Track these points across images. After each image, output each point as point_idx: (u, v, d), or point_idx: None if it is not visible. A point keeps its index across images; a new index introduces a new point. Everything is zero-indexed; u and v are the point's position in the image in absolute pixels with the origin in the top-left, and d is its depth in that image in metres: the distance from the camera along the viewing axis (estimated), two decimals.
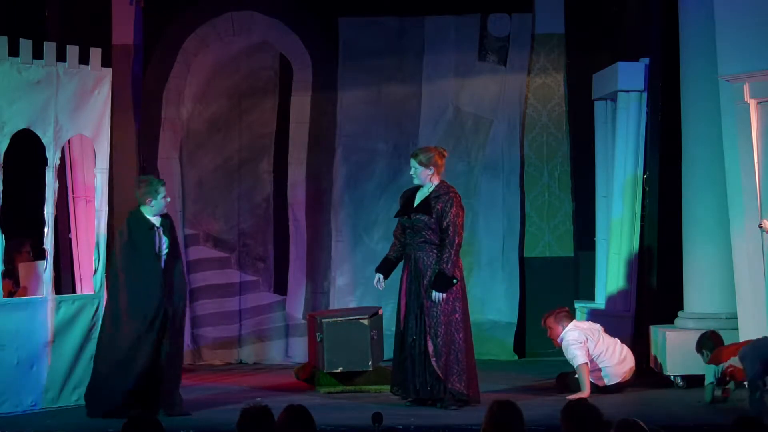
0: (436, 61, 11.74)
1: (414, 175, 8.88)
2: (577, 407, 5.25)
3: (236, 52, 11.76)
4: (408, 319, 8.76)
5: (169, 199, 8.74)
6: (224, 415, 8.36)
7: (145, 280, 8.46)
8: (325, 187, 11.74)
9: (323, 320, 9.59)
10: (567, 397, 8.93)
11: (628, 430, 4.98)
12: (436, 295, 8.62)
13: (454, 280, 8.63)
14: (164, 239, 8.61)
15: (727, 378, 8.81)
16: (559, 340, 9.39)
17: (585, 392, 9.00)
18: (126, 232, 8.62)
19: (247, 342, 11.59)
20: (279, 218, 11.74)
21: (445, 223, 8.68)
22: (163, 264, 8.54)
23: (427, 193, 8.83)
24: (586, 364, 9.19)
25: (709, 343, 8.97)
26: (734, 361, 8.72)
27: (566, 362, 9.43)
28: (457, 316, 8.68)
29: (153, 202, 8.61)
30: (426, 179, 8.84)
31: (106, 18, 11.22)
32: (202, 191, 11.60)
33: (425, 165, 8.81)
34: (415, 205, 8.84)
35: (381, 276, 9.01)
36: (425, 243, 8.74)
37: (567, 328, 9.36)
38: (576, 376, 9.35)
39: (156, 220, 8.64)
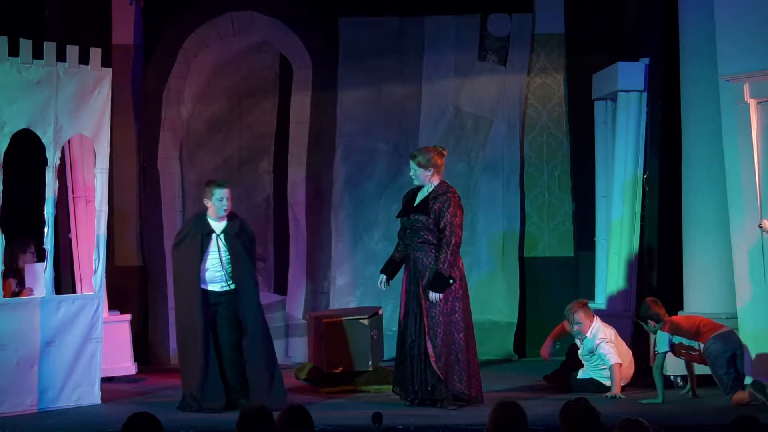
0: (436, 61, 11.74)
1: (414, 177, 8.87)
2: (575, 408, 5.25)
3: (236, 52, 11.76)
4: (407, 319, 8.76)
5: (226, 204, 8.73)
6: (224, 414, 8.37)
7: (182, 284, 8.75)
8: (325, 187, 11.74)
9: (324, 320, 9.59)
10: (606, 395, 8.98)
11: (632, 430, 4.97)
12: (433, 296, 8.61)
13: (451, 281, 8.62)
14: (222, 245, 8.70)
15: (683, 356, 8.95)
16: (589, 335, 9.35)
17: (616, 390, 9.06)
18: (177, 234, 8.94)
19: None
20: (279, 218, 11.74)
21: (442, 224, 8.67)
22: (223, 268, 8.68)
23: (426, 194, 8.83)
24: (620, 363, 9.22)
25: (651, 312, 9.02)
26: (689, 341, 8.90)
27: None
28: (456, 316, 8.67)
29: (208, 203, 8.73)
30: (426, 180, 8.83)
31: (106, 18, 11.23)
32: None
33: (424, 166, 8.80)
34: (415, 205, 8.84)
35: (384, 277, 8.98)
36: (424, 243, 8.73)
37: (596, 325, 9.37)
38: (579, 376, 9.39)
39: (218, 225, 8.69)
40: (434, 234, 8.71)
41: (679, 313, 9.81)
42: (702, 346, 8.84)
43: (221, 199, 8.71)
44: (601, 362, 9.35)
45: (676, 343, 8.94)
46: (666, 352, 8.92)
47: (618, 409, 8.32)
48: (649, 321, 9.03)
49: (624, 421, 5.05)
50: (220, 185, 8.76)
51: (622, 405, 8.73)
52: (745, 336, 9.14)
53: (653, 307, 9.05)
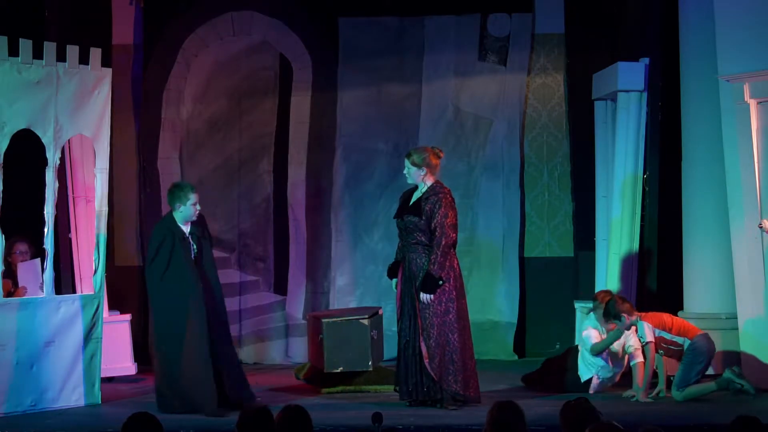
0: (436, 61, 11.74)
1: (407, 175, 8.85)
2: (575, 408, 5.25)
3: (236, 52, 11.77)
4: (402, 320, 8.76)
5: (198, 207, 8.71)
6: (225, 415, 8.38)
7: (174, 290, 8.60)
8: (325, 187, 11.74)
9: (323, 320, 9.59)
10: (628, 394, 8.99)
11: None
12: (424, 297, 8.60)
13: (440, 282, 8.60)
14: (193, 248, 8.70)
15: (662, 350, 8.95)
16: (631, 327, 9.22)
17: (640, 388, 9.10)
18: (154, 241, 8.72)
19: (247, 342, 11.58)
20: (279, 218, 11.74)
21: (433, 224, 8.64)
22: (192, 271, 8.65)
23: (420, 194, 8.81)
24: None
25: (623, 307, 8.99)
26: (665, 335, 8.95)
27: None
28: (450, 317, 8.65)
29: (182, 208, 8.65)
30: (419, 179, 8.80)
31: (106, 18, 11.24)
32: (202, 191, 11.51)
33: (417, 165, 8.77)
34: (410, 205, 8.83)
35: (396, 280, 8.96)
36: (417, 244, 8.72)
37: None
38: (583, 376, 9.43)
39: (186, 228, 8.69)
40: (427, 235, 8.68)
41: (679, 313, 9.83)
42: (688, 341, 8.87)
43: (195, 204, 8.67)
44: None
45: (657, 335, 8.94)
46: (652, 343, 8.89)
47: (618, 410, 8.31)
48: (623, 315, 9.00)
49: (596, 425, 5.00)
50: (194, 189, 8.72)
51: (622, 405, 8.72)
52: (745, 336, 9.16)
53: (621, 303, 9.05)
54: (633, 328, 9.26)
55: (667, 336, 8.94)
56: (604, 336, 9.33)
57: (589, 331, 9.38)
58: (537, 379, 9.67)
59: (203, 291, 8.61)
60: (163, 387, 8.63)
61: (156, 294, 8.68)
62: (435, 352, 8.59)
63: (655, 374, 9.17)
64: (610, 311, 9.06)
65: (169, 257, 8.59)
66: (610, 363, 9.36)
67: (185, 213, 8.65)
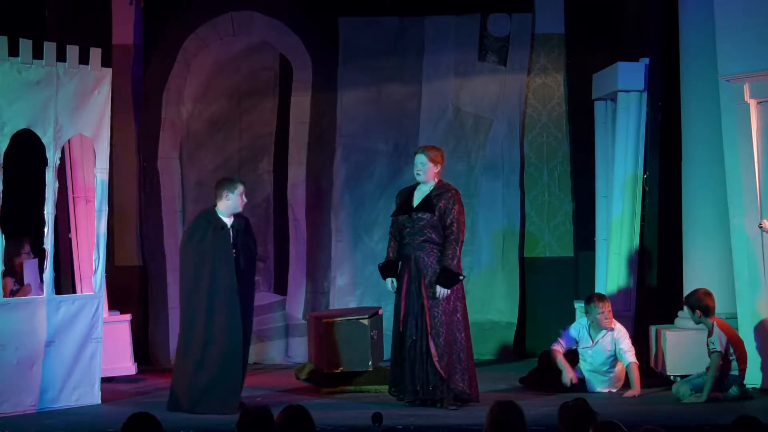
0: (436, 61, 11.74)
1: (420, 172, 8.84)
2: (573, 408, 5.25)
3: (236, 52, 11.76)
4: (408, 320, 8.74)
5: (245, 199, 8.82)
6: (224, 415, 8.37)
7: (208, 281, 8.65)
8: (325, 187, 11.74)
9: (323, 320, 9.59)
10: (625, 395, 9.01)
11: (607, 431, 4.97)
12: (441, 291, 8.60)
13: (460, 276, 8.63)
14: (232, 240, 8.74)
15: (729, 360, 8.86)
16: (613, 326, 9.36)
17: (638, 390, 9.12)
18: (188, 230, 8.89)
19: None
20: (279, 218, 11.74)
21: (448, 221, 8.68)
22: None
23: (428, 192, 8.82)
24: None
25: (703, 304, 8.95)
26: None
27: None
28: (458, 315, 8.68)
29: (230, 196, 8.78)
30: (432, 176, 8.83)
31: (106, 18, 11.24)
32: (202, 191, 11.59)
33: (433, 161, 8.82)
34: (416, 204, 8.82)
35: (393, 280, 8.96)
36: (426, 242, 8.72)
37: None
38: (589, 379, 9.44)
39: (228, 220, 8.73)
40: (438, 232, 8.71)
41: (679, 313, 9.82)
42: (738, 371, 8.82)
43: (242, 194, 8.80)
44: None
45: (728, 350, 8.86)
46: (720, 353, 8.81)
47: (618, 410, 8.31)
48: (697, 311, 8.97)
49: (600, 422, 5.02)
50: (242, 181, 8.91)
51: (622, 405, 8.72)
52: (745, 336, 9.14)
53: (705, 299, 8.97)
54: (624, 331, 9.30)
55: (732, 353, 8.85)
56: (584, 336, 9.40)
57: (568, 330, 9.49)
58: (535, 378, 9.67)
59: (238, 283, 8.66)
60: (181, 382, 8.65)
61: (184, 281, 8.76)
62: (444, 350, 8.61)
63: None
64: (692, 301, 9.01)
65: (201, 246, 8.66)
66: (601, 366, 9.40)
67: (233, 201, 8.76)
